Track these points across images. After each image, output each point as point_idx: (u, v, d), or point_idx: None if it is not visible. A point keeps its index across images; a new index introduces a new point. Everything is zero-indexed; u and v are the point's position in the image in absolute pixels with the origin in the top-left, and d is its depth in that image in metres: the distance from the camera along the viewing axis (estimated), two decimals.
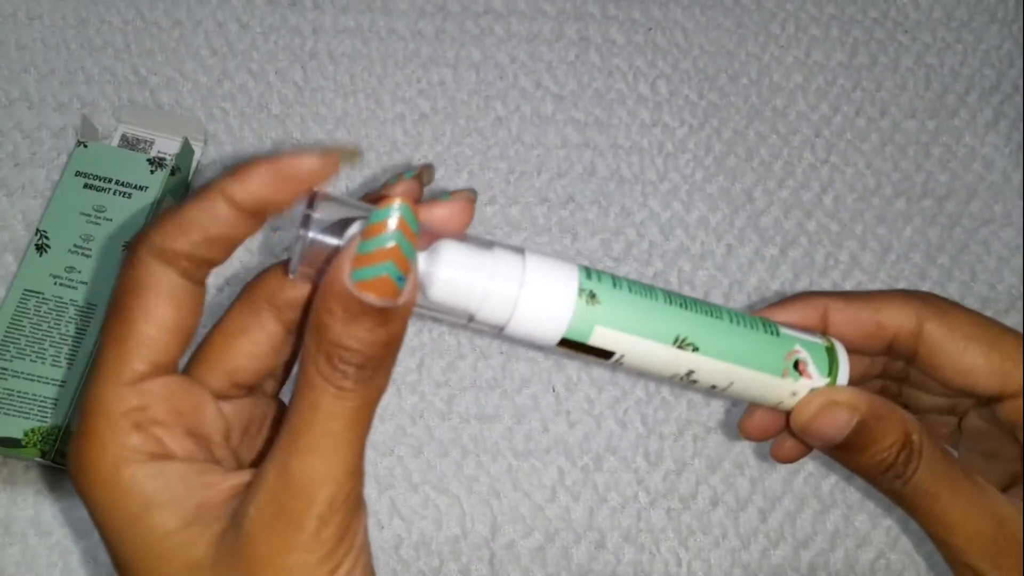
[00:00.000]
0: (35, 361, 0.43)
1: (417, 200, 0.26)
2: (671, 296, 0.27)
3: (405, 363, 0.48)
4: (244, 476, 0.24)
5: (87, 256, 0.45)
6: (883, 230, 0.53)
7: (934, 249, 0.53)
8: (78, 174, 0.47)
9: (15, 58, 0.53)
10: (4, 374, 0.43)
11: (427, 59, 0.55)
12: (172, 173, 0.48)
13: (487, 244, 0.25)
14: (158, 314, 0.23)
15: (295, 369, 0.25)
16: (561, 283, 0.25)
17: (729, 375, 0.28)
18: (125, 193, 0.47)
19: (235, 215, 0.23)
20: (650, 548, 0.45)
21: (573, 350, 0.26)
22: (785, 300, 0.31)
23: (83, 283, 0.45)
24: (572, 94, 0.55)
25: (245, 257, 0.49)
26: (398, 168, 0.52)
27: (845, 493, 0.47)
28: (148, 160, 0.48)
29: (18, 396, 0.42)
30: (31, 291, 0.44)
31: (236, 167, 0.23)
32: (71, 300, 0.44)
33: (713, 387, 0.28)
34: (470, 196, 0.26)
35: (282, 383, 0.29)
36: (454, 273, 0.24)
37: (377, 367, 0.22)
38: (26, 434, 0.42)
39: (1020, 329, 0.48)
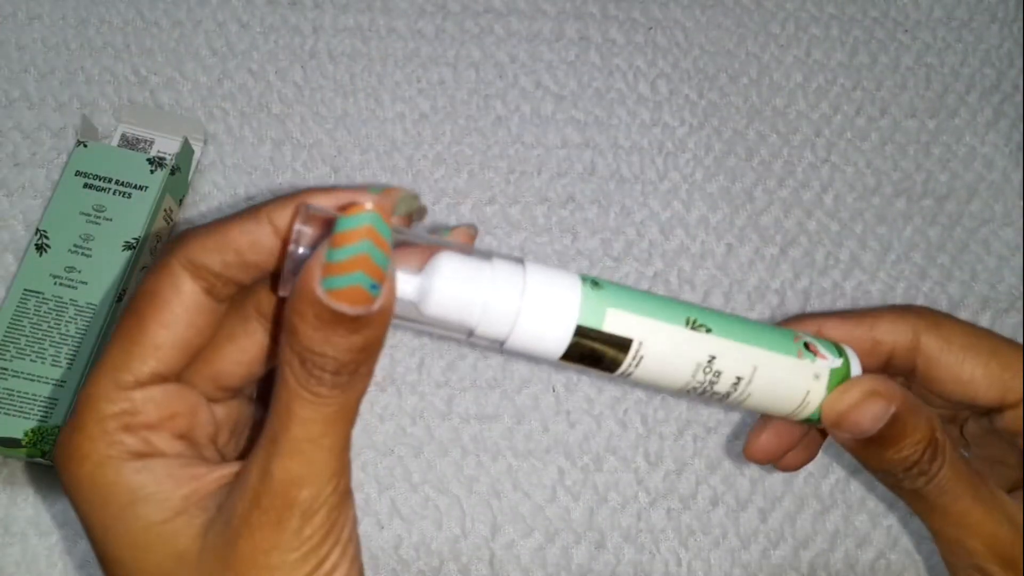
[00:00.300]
0: (35, 361, 0.43)
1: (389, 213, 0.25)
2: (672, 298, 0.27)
3: (405, 363, 0.48)
4: (232, 467, 0.24)
5: (87, 256, 0.45)
6: (883, 230, 0.53)
7: (934, 249, 0.53)
8: (78, 174, 0.47)
9: (15, 58, 0.53)
10: (4, 374, 0.43)
11: (427, 58, 0.55)
12: (172, 173, 0.48)
13: (486, 255, 0.24)
14: (173, 329, 0.23)
15: None
16: (564, 289, 0.24)
17: (750, 358, 0.27)
18: (125, 193, 0.47)
19: (278, 244, 0.23)
20: (650, 548, 0.45)
21: (581, 363, 0.25)
22: (779, 323, 0.31)
23: (83, 283, 0.45)
24: (572, 94, 0.55)
25: None
26: (400, 165, 0.52)
27: (845, 493, 0.47)
28: (148, 160, 0.48)
29: (18, 396, 0.42)
30: (31, 291, 0.44)
31: (286, 195, 0.23)
32: (71, 300, 0.44)
33: (738, 379, 0.27)
34: (470, 232, 0.26)
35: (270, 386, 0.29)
36: (452, 286, 0.23)
37: (353, 372, 0.22)
38: (26, 434, 0.42)
39: (1020, 329, 0.48)
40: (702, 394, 0.27)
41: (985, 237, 0.53)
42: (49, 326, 0.44)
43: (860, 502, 0.47)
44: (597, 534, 0.45)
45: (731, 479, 0.47)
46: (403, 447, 0.46)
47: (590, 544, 0.45)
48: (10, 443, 0.42)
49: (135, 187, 0.47)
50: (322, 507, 0.22)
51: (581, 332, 0.25)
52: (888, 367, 0.31)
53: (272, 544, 0.22)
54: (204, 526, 0.23)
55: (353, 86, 0.54)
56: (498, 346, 0.25)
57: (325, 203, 0.23)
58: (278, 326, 0.25)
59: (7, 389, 0.42)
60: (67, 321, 0.44)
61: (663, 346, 0.26)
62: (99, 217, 0.46)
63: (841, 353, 0.29)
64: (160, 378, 0.24)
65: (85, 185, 0.47)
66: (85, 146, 0.48)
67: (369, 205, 0.20)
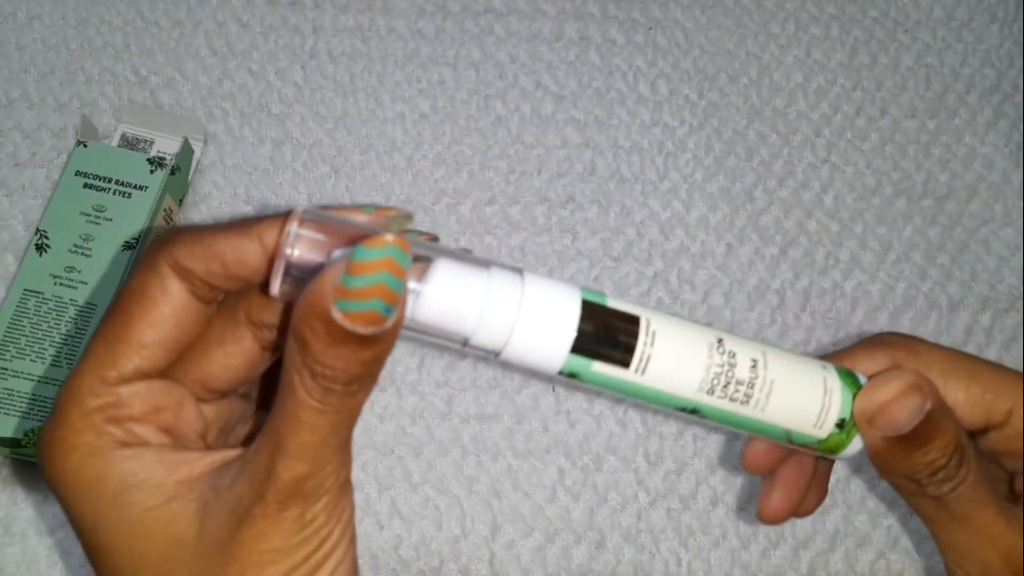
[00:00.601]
0: (35, 361, 0.43)
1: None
2: None
3: (405, 363, 0.48)
4: (223, 454, 0.24)
5: (87, 256, 0.45)
6: (883, 230, 0.53)
7: (934, 249, 0.53)
8: (78, 174, 0.47)
9: (15, 58, 0.53)
10: (4, 374, 0.43)
11: (427, 58, 0.55)
12: (172, 173, 0.48)
13: (484, 264, 0.24)
14: (159, 327, 0.23)
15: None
16: (564, 300, 0.24)
17: (757, 346, 0.26)
18: (125, 193, 0.47)
19: (264, 261, 0.23)
20: (650, 548, 0.45)
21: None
22: None
23: (83, 283, 0.45)
24: (572, 94, 0.55)
25: None
26: (396, 171, 0.52)
27: (845, 493, 0.47)
28: (148, 160, 0.48)
29: (18, 396, 0.42)
30: (31, 291, 0.44)
31: (277, 214, 0.23)
32: (71, 300, 0.44)
33: (755, 362, 0.26)
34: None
35: (260, 388, 0.29)
36: (448, 293, 0.23)
37: (363, 382, 0.22)
38: (26, 434, 0.42)
39: (1020, 329, 0.48)
40: (725, 386, 0.26)
41: (985, 237, 0.53)
42: (49, 326, 0.44)
43: (860, 502, 0.47)
44: (597, 534, 0.45)
45: (731, 479, 0.47)
46: (403, 447, 0.46)
47: (590, 544, 0.45)
48: (10, 443, 0.42)
49: (135, 187, 0.47)
50: (325, 494, 0.23)
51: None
52: None
53: (275, 529, 0.22)
54: (199, 510, 0.23)
55: (353, 86, 0.54)
56: (494, 357, 0.24)
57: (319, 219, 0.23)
58: (282, 333, 0.25)
59: (7, 389, 0.42)
60: (67, 321, 0.44)
61: (673, 330, 0.25)
62: (99, 217, 0.46)
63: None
64: (145, 375, 0.24)
65: (85, 185, 0.47)
66: (85, 146, 0.48)
67: (390, 237, 0.20)
